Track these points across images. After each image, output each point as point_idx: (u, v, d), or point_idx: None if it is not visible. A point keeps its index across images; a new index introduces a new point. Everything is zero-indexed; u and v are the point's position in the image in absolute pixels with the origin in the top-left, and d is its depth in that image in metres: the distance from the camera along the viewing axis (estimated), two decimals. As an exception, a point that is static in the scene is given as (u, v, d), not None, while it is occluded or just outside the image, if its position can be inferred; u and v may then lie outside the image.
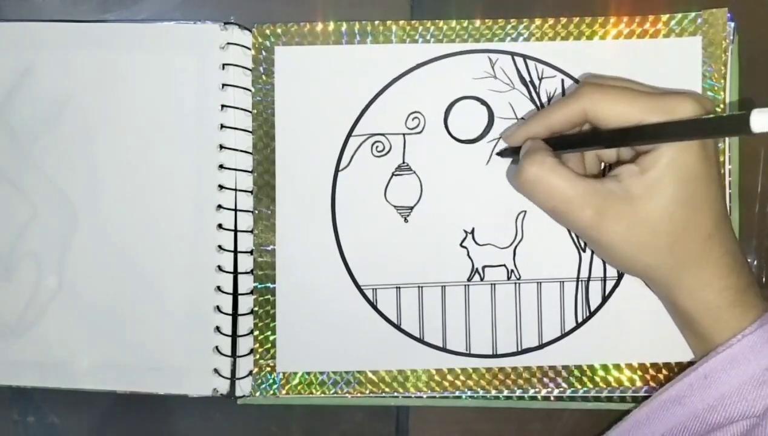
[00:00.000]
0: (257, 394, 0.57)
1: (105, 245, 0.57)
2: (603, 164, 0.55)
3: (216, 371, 0.57)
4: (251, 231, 0.57)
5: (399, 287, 0.57)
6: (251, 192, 0.57)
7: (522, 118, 0.57)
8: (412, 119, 0.57)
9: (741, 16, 0.57)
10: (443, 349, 0.57)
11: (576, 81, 0.56)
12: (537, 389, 0.56)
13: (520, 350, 0.57)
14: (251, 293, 0.57)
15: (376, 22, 0.57)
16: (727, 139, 0.56)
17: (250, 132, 0.57)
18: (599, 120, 0.50)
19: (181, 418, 0.58)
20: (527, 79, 0.57)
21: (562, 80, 0.57)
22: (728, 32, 0.56)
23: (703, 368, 0.50)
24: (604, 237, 0.50)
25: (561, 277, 0.57)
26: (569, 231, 0.57)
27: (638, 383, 0.56)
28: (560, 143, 0.53)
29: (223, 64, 0.57)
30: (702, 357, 0.51)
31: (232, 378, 0.57)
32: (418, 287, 0.57)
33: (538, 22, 0.57)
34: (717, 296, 0.50)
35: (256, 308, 0.57)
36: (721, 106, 0.56)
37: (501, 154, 0.57)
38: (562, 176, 0.50)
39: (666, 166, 0.48)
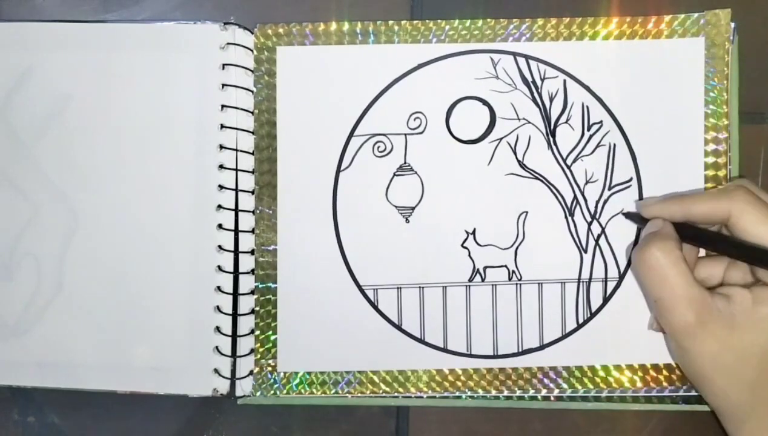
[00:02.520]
0: (258, 394, 0.57)
1: (105, 245, 0.57)
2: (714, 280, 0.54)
3: (216, 371, 0.57)
4: (252, 231, 0.57)
5: (400, 288, 0.57)
6: (252, 192, 0.57)
7: (524, 119, 0.57)
8: (414, 119, 0.57)
9: (741, 16, 0.57)
10: (444, 349, 0.57)
11: (578, 82, 0.56)
12: (537, 390, 0.56)
13: (520, 350, 0.57)
14: (252, 292, 0.57)
15: (378, 22, 0.57)
16: (727, 141, 0.56)
17: (252, 132, 0.57)
18: (739, 230, 0.50)
19: (181, 418, 0.58)
20: (529, 79, 0.57)
21: (564, 81, 0.57)
22: (730, 33, 0.56)
23: None
24: (693, 348, 0.50)
25: (562, 278, 0.57)
26: (570, 231, 0.57)
27: (639, 384, 0.56)
28: (690, 235, 0.52)
29: (223, 65, 0.57)
30: None
31: (233, 378, 0.57)
32: (419, 287, 0.57)
33: (540, 22, 0.57)
34: None
35: (257, 308, 0.57)
36: (725, 107, 0.56)
37: (628, 216, 0.56)
38: (681, 274, 0.49)
39: None
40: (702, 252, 0.55)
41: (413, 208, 0.57)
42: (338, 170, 0.57)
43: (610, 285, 0.57)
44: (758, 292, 0.49)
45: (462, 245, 0.57)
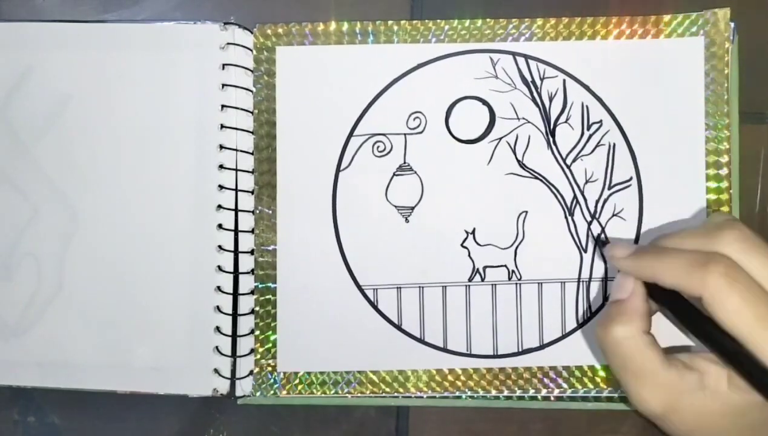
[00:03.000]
0: (257, 394, 0.57)
1: (105, 244, 0.57)
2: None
3: (216, 371, 0.57)
4: (252, 231, 0.57)
5: (400, 287, 0.57)
6: (252, 192, 0.57)
7: (523, 118, 0.57)
8: (414, 119, 0.57)
9: (741, 16, 0.57)
10: (444, 349, 0.57)
11: (578, 81, 0.57)
12: (537, 390, 0.56)
13: (520, 350, 0.57)
14: (252, 292, 0.57)
15: (378, 22, 0.57)
16: (728, 141, 0.56)
17: (251, 132, 0.57)
18: (714, 314, 0.44)
19: (181, 418, 0.58)
20: (529, 79, 0.57)
21: (564, 80, 0.57)
22: (729, 33, 0.56)
23: None
24: (666, 427, 0.48)
25: (562, 277, 0.57)
26: (570, 231, 0.57)
27: (639, 384, 0.56)
28: (663, 300, 0.48)
29: (223, 65, 0.57)
30: None
31: (233, 378, 0.57)
32: (419, 287, 0.57)
33: (539, 21, 0.57)
34: None
35: (257, 308, 0.57)
36: (725, 107, 0.56)
37: (598, 244, 0.56)
38: (648, 361, 0.46)
39: (761, 404, 0.44)
40: None
41: (413, 208, 0.57)
42: (338, 170, 0.57)
43: (610, 284, 0.56)
44: (734, 376, 0.45)
45: (462, 245, 0.57)
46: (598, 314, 0.56)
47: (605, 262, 0.56)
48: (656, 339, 0.48)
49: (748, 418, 0.45)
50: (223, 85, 0.57)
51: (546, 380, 0.56)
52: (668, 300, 0.48)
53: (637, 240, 0.56)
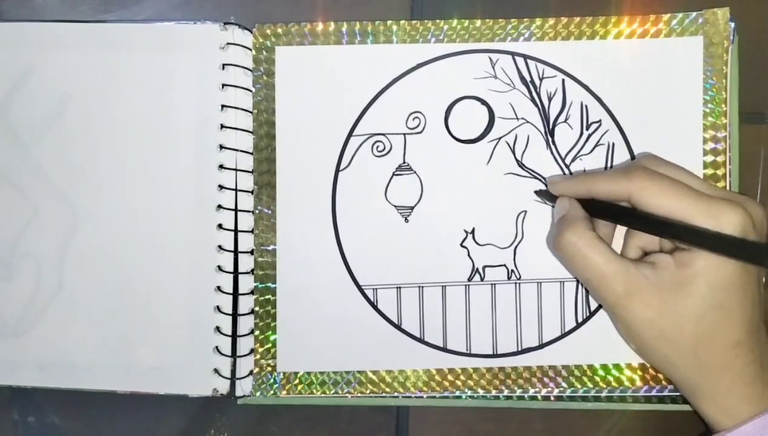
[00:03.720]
0: (257, 394, 0.57)
1: (105, 244, 0.57)
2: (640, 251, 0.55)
3: (216, 371, 0.57)
4: (252, 231, 0.57)
5: (399, 287, 0.57)
6: (252, 192, 0.57)
7: (523, 118, 0.57)
8: (413, 119, 0.57)
9: (741, 16, 0.57)
10: (443, 349, 0.57)
11: (577, 81, 0.57)
12: (537, 389, 0.56)
13: (520, 349, 0.57)
14: (252, 293, 0.57)
15: (377, 22, 0.57)
16: (727, 139, 0.56)
17: (251, 132, 0.57)
18: (642, 206, 0.50)
19: (181, 418, 0.58)
20: (528, 79, 0.57)
21: (563, 80, 0.57)
22: (729, 33, 0.56)
23: None
24: (630, 318, 0.50)
25: (561, 277, 0.57)
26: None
27: (638, 383, 0.56)
28: (598, 211, 0.53)
29: (223, 65, 0.57)
30: None
31: (232, 378, 0.57)
32: (419, 286, 0.57)
33: (538, 21, 0.57)
34: (738, 403, 0.50)
35: (256, 308, 0.57)
36: (724, 106, 0.56)
37: (538, 193, 0.57)
38: (599, 252, 0.50)
39: (702, 269, 0.49)
40: None
41: (412, 208, 0.57)
42: (337, 170, 0.57)
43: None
44: (680, 256, 0.50)
45: (461, 245, 0.57)
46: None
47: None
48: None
49: (695, 289, 0.49)
50: (223, 85, 0.57)
51: (545, 380, 0.56)
52: (604, 208, 0.53)
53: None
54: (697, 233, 0.48)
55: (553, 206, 0.56)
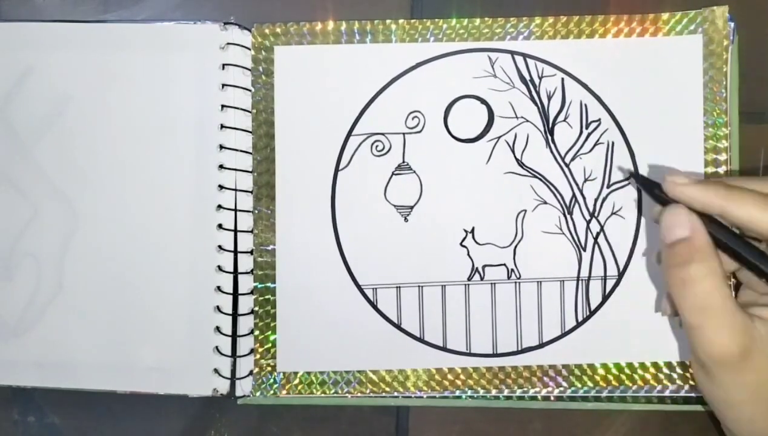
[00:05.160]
0: (257, 394, 0.57)
1: (105, 245, 0.57)
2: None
3: (216, 371, 0.57)
4: (251, 231, 0.57)
5: (399, 287, 0.57)
6: (251, 192, 0.57)
7: (522, 117, 0.57)
8: (412, 118, 0.57)
9: (741, 16, 0.57)
10: (443, 348, 0.57)
11: (577, 80, 0.57)
12: (537, 389, 0.56)
13: (520, 349, 0.57)
14: (251, 292, 0.57)
15: (376, 22, 0.57)
16: (727, 138, 0.56)
17: (250, 132, 0.57)
18: None
19: (181, 418, 0.58)
20: (527, 77, 0.57)
21: (562, 79, 0.57)
22: (728, 31, 0.56)
23: None
24: (732, 381, 0.45)
25: (561, 276, 0.56)
26: (569, 230, 0.57)
27: (639, 382, 0.56)
28: (727, 245, 0.46)
29: (223, 65, 0.57)
30: None
31: (232, 378, 0.57)
32: (419, 286, 0.57)
33: (538, 20, 0.57)
34: None
35: (256, 308, 0.57)
36: (724, 105, 0.56)
37: (637, 179, 0.53)
38: (725, 299, 0.44)
39: None
40: None
41: (412, 208, 0.57)
42: (336, 170, 0.57)
43: (610, 283, 0.56)
44: None
45: (461, 244, 0.57)
46: (598, 313, 0.56)
47: (604, 260, 0.56)
48: None
49: None
50: (223, 85, 0.57)
51: (546, 379, 0.56)
52: (726, 235, 0.45)
53: (636, 239, 0.56)
54: None
55: (661, 204, 0.49)
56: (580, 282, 0.56)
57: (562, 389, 0.56)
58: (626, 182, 0.56)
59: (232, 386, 0.57)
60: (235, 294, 0.57)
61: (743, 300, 0.49)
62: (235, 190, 0.57)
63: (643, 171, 0.56)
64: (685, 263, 0.44)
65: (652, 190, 0.49)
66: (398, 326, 0.57)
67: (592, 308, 0.56)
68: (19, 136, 0.57)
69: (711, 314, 0.44)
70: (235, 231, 0.57)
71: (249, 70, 0.57)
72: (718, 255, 0.44)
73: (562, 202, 0.57)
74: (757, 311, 0.46)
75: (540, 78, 0.57)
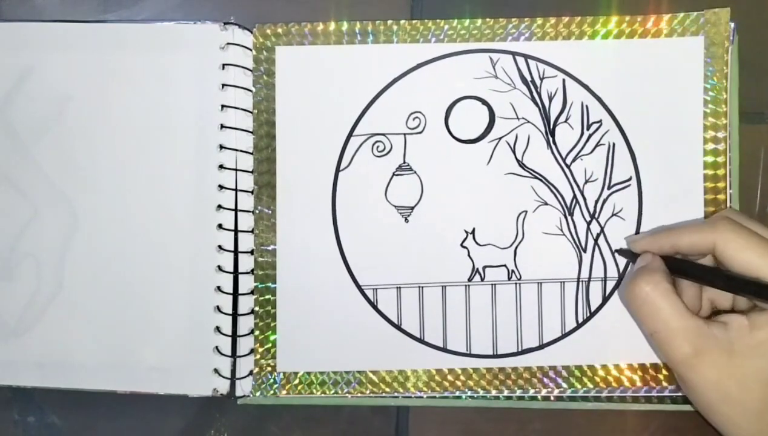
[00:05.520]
0: (257, 394, 0.57)
1: (105, 245, 0.57)
2: (711, 307, 0.54)
3: (216, 371, 0.57)
4: (252, 231, 0.57)
5: (399, 287, 0.57)
6: (252, 192, 0.57)
7: (523, 118, 0.57)
8: (413, 119, 0.57)
9: (741, 17, 0.57)
10: (443, 349, 0.57)
11: (578, 81, 0.56)
12: (537, 389, 0.56)
13: (520, 350, 0.57)
14: (252, 293, 0.57)
15: (377, 22, 0.57)
16: (727, 139, 0.56)
17: (251, 132, 0.57)
18: (725, 259, 0.50)
19: (181, 418, 0.58)
20: (528, 78, 0.57)
21: (563, 80, 0.57)
22: (729, 33, 0.56)
23: None
24: (694, 378, 0.49)
25: (561, 277, 0.57)
26: (570, 231, 0.57)
27: (638, 384, 0.56)
28: (679, 269, 0.52)
29: (223, 65, 0.57)
30: None
31: (232, 378, 0.57)
32: (419, 287, 0.57)
33: (539, 21, 0.57)
34: None
35: (256, 308, 0.57)
36: (724, 107, 0.56)
37: (620, 252, 0.57)
38: (672, 305, 0.49)
39: None
40: None
41: (412, 208, 0.57)
42: (337, 170, 0.57)
43: (610, 284, 0.56)
44: (755, 317, 0.49)
45: (461, 245, 0.57)
46: (598, 314, 0.56)
47: (605, 261, 0.56)
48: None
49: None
50: (223, 85, 0.57)
51: (546, 380, 0.56)
52: (686, 267, 0.52)
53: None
54: None
55: (633, 263, 0.55)
56: (580, 283, 0.56)
57: (562, 390, 0.56)
58: (627, 184, 0.56)
59: (232, 386, 0.57)
60: (236, 294, 0.57)
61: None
62: (236, 190, 0.57)
63: (644, 172, 0.56)
64: (635, 280, 0.51)
65: (630, 255, 0.56)
66: (398, 327, 0.57)
67: (593, 309, 0.56)
68: (19, 136, 0.57)
69: (661, 321, 0.49)
70: (236, 231, 0.57)
71: (249, 70, 0.57)
72: (670, 278, 0.51)
73: (562, 203, 0.57)
74: (723, 317, 0.50)
75: (541, 79, 0.57)
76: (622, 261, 0.57)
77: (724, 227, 0.50)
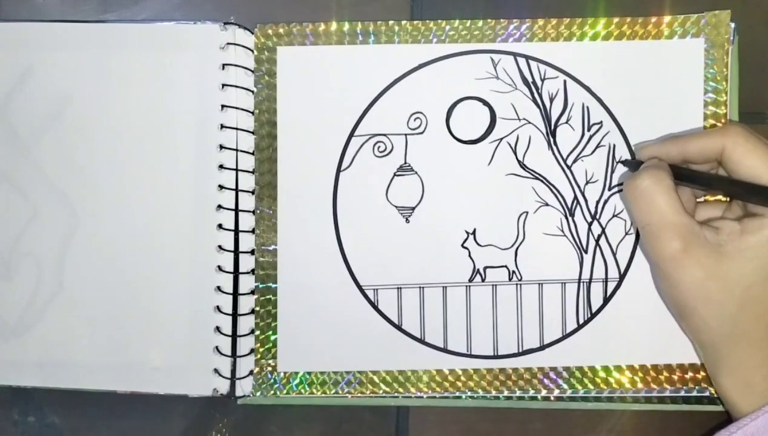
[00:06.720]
0: (258, 394, 0.57)
1: (105, 245, 0.57)
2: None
3: (216, 371, 0.57)
4: (252, 231, 0.57)
5: (400, 288, 0.57)
6: (253, 192, 0.57)
7: (524, 119, 0.57)
8: (414, 120, 0.57)
9: (741, 17, 0.57)
10: (444, 350, 0.57)
11: (579, 82, 0.57)
12: (537, 390, 0.57)
13: (521, 351, 0.57)
14: (252, 293, 0.57)
15: (379, 23, 0.57)
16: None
17: (252, 132, 0.57)
18: (732, 164, 0.51)
19: (181, 418, 0.58)
20: (529, 79, 0.57)
21: (564, 81, 0.57)
22: (729, 34, 0.56)
23: (746, 429, 0.49)
24: (678, 276, 0.50)
25: (562, 278, 0.57)
26: (571, 232, 0.57)
27: (639, 385, 0.56)
28: (683, 175, 0.53)
29: (223, 65, 0.57)
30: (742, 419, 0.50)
31: (233, 378, 0.57)
32: (420, 287, 0.57)
33: (540, 22, 0.57)
34: (762, 381, 0.50)
35: (257, 308, 0.57)
36: (724, 108, 0.56)
37: (625, 163, 0.56)
38: (670, 200, 0.50)
39: (767, 239, 0.49)
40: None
41: (413, 209, 0.57)
42: (338, 170, 0.57)
43: (611, 285, 0.57)
44: (747, 223, 0.50)
45: (462, 245, 0.57)
46: (599, 315, 0.56)
47: (606, 262, 0.57)
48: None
49: (754, 256, 0.50)
50: (223, 85, 0.57)
51: (546, 381, 0.56)
52: (691, 174, 0.53)
53: (637, 241, 0.56)
54: None
55: None
56: (581, 284, 0.57)
57: (562, 390, 0.56)
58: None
59: (232, 386, 0.57)
60: (236, 294, 0.57)
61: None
62: (237, 190, 0.57)
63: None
64: (639, 175, 0.51)
65: (634, 167, 0.54)
66: (399, 327, 0.57)
67: (593, 310, 0.57)
68: (19, 136, 0.57)
69: (656, 214, 0.50)
70: (237, 231, 0.57)
71: (250, 70, 0.57)
72: (671, 176, 0.51)
73: (563, 204, 0.57)
74: (717, 223, 0.52)
75: (542, 80, 0.57)
76: (623, 262, 0.57)
77: (734, 131, 0.51)
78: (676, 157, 0.53)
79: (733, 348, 0.51)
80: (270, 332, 0.57)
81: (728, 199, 0.55)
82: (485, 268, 0.57)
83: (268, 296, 0.57)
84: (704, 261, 0.49)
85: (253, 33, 0.57)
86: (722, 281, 0.49)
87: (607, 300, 0.57)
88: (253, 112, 0.57)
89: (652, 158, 0.53)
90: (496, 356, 0.57)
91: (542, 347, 0.57)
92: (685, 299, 0.51)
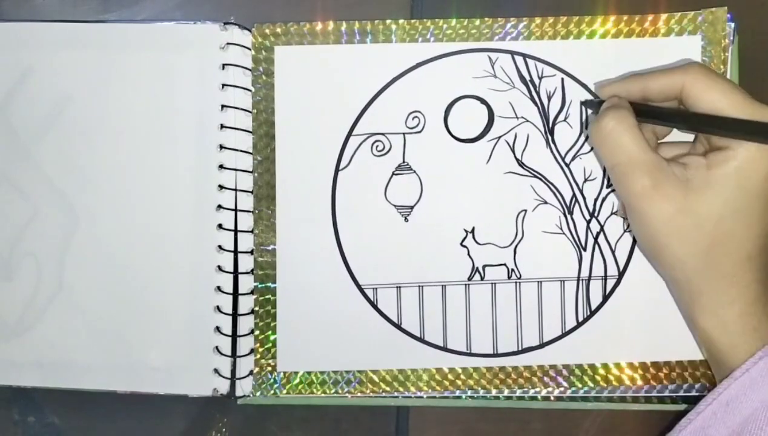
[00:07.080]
0: (257, 394, 0.57)
1: (105, 245, 0.57)
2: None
3: (216, 371, 0.57)
4: (252, 231, 0.57)
5: (399, 287, 0.57)
6: (251, 192, 0.57)
7: (522, 117, 0.57)
8: (412, 118, 0.57)
9: (741, 16, 0.57)
10: (444, 348, 0.57)
11: (576, 80, 0.57)
12: (538, 389, 0.56)
13: (520, 349, 0.57)
14: (252, 292, 0.57)
15: (376, 22, 0.57)
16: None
17: (251, 132, 0.57)
18: (691, 99, 0.51)
19: (181, 418, 0.58)
20: (527, 78, 0.57)
21: (562, 79, 0.57)
22: (728, 32, 0.56)
23: (724, 395, 0.49)
24: (648, 211, 0.50)
25: (561, 276, 0.57)
26: (569, 229, 0.57)
27: (639, 382, 0.56)
28: (645, 112, 0.52)
29: (223, 65, 0.57)
30: (722, 381, 0.50)
31: (232, 378, 0.57)
32: (419, 286, 0.57)
33: (538, 21, 0.57)
34: (737, 319, 0.50)
35: (256, 308, 0.57)
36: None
37: (585, 103, 0.57)
38: (635, 139, 0.50)
39: (733, 170, 0.49)
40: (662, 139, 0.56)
41: (412, 207, 0.57)
42: (337, 170, 0.57)
43: (610, 283, 0.56)
44: (712, 157, 0.50)
45: (461, 244, 0.57)
46: (598, 313, 0.56)
47: (605, 260, 0.57)
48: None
49: (721, 189, 0.50)
50: (223, 85, 0.57)
51: (546, 379, 0.56)
52: (652, 110, 0.53)
53: (635, 238, 0.56)
54: (744, 123, 0.49)
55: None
56: (580, 282, 0.56)
57: (562, 389, 0.56)
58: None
59: (232, 386, 0.57)
60: (236, 294, 0.57)
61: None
62: (236, 190, 0.57)
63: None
64: (602, 116, 0.51)
65: (597, 106, 0.55)
66: (398, 326, 0.57)
67: (593, 308, 0.56)
68: (19, 136, 0.57)
69: (623, 153, 0.50)
70: (236, 231, 0.57)
71: (249, 70, 0.57)
72: (633, 114, 0.51)
73: (562, 202, 0.57)
74: (683, 159, 0.52)
75: (540, 78, 0.57)
76: (622, 260, 0.57)
77: (694, 69, 0.51)
78: (636, 95, 0.53)
79: (706, 284, 0.51)
80: (269, 332, 0.57)
81: (693, 137, 0.55)
82: (484, 266, 0.57)
83: (267, 296, 0.57)
84: (674, 195, 0.50)
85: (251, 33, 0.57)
86: (693, 216, 0.50)
87: (606, 298, 0.56)
88: (251, 112, 0.57)
89: (612, 97, 0.53)
90: (495, 355, 0.57)
91: (542, 345, 0.56)
92: (657, 235, 0.51)
